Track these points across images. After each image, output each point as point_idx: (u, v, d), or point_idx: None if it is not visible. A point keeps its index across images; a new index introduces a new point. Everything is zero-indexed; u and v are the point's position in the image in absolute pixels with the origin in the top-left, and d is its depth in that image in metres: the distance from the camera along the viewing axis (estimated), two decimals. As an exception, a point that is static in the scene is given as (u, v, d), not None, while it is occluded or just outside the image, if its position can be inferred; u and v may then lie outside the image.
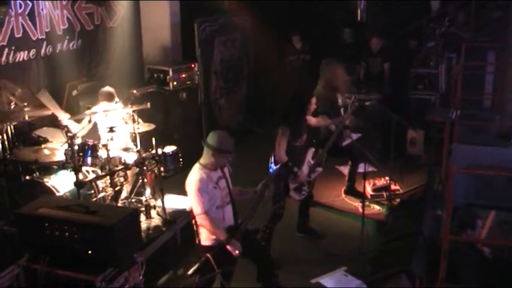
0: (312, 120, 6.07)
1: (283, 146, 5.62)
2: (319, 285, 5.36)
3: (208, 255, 4.40)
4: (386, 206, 6.89)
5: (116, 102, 6.26)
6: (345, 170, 7.47)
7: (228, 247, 4.50)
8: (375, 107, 7.39)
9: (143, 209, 5.73)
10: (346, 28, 9.68)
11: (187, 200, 6.38)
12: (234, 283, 4.89)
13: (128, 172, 6.03)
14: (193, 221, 4.77)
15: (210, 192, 4.59)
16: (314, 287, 5.34)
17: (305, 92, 6.01)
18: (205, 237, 4.67)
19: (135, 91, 6.41)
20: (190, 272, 4.44)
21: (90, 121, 6.12)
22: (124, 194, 6.05)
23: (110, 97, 6.21)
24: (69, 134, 5.49)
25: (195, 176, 4.61)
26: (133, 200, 5.99)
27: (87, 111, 5.99)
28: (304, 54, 9.63)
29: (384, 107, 7.11)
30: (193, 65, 8.23)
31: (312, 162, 5.95)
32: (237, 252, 4.50)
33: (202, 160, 4.69)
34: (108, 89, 6.27)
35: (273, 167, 4.86)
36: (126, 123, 6.29)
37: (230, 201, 4.78)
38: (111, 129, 5.85)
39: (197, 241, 4.74)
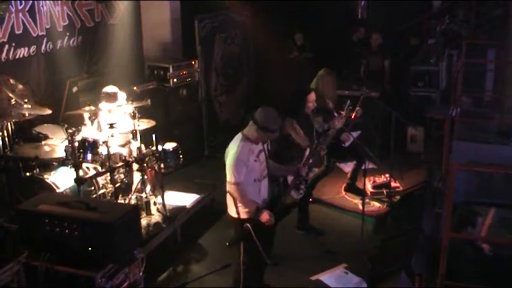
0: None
1: (300, 132, 5.57)
2: (319, 282, 5.37)
3: (248, 225, 4.29)
4: (387, 203, 6.89)
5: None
6: (345, 167, 7.46)
7: (261, 218, 4.46)
8: (374, 102, 7.36)
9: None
10: (361, 27, 9.53)
11: (187, 196, 6.44)
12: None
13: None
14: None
15: (250, 165, 4.51)
16: (314, 284, 5.35)
17: (306, 89, 5.99)
18: (243, 211, 4.54)
19: (135, 88, 6.40)
20: (229, 242, 4.37)
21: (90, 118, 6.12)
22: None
23: (111, 98, 6.11)
24: (69, 131, 5.49)
25: (237, 147, 4.49)
26: (133, 197, 6.01)
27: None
28: (306, 51, 9.62)
29: (384, 104, 7.10)
30: (193, 62, 8.21)
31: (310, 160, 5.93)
32: (269, 222, 4.47)
33: (246, 131, 4.58)
34: (110, 89, 6.15)
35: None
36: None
37: (267, 174, 4.74)
38: (112, 126, 5.85)
39: (235, 214, 4.53)
